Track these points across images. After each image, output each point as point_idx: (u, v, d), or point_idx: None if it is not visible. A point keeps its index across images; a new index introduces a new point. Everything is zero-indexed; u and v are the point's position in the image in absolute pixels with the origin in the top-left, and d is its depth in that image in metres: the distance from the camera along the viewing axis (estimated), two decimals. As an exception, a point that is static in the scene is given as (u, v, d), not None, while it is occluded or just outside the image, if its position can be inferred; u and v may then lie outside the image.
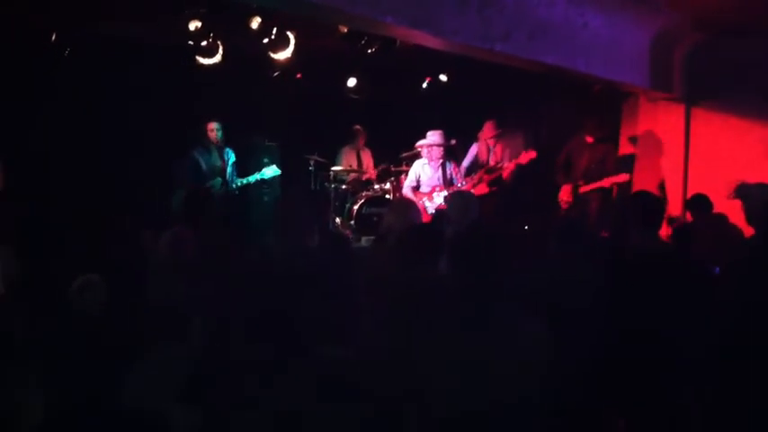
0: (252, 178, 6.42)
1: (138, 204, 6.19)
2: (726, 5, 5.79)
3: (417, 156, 6.93)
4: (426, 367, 2.35)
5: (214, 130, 6.39)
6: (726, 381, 2.70)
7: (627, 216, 3.23)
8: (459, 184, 6.68)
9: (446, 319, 2.43)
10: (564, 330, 2.50)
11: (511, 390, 2.23)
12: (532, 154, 6.65)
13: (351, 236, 6.85)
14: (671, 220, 6.02)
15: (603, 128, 6.97)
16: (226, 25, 6.08)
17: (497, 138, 7.24)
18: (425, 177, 6.71)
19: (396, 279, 3.10)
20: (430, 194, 6.63)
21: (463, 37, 5.03)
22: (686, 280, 2.99)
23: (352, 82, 7.84)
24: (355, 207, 7.22)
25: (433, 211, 6.51)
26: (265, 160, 6.90)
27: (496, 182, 6.86)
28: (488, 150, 7.29)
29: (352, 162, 8.09)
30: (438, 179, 6.68)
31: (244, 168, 6.59)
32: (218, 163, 6.39)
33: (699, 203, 5.24)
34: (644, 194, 3.90)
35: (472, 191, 6.54)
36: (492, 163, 7.10)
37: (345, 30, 6.13)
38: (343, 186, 7.83)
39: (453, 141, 6.86)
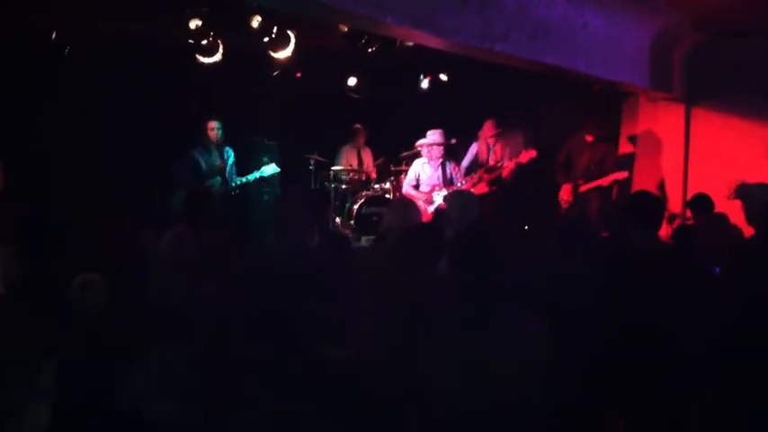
0: (251, 176, 6.42)
1: (138, 204, 6.18)
2: (726, 5, 5.79)
3: (417, 155, 6.93)
4: (426, 367, 2.34)
5: (214, 128, 6.38)
6: (726, 381, 2.71)
7: (627, 216, 3.22)
8: (458, 184, 6.67)
9: (446, 318, 2.43)
10: (564, 330, 2.50)
11: (511, 390, 2.23)
12: (532, 153, 6.65)
13: (351, 235, 6.84)
14: (671, 218, 6.02)
15: (603, 127, 6.97)
16: (226, 24, 6.09)
17: (497, 137, 7.23)
18: (425, 176, 6.71)
19: (396, 279, 3.09)
20: (430, 194, 6.63)
21: (463, 37, 5.04)
22: (686, 280, 2.98)
23: (352, 81, 7.85)
24: (355, 206, 7.23)
25: (433, 210, 6.51)
26: (265, 159, 6.88)
27: (496, 181, 6.86)
28: (488, 149, 7.28)
29: (352, 161, 8.09)
30: (438, 178, 6.68)
31: (244, 167, 6.59)
32: (218, 162, 6.39)
33: (700, 203, 5.23)
34: (644, 194, 3.88)
35: (472, 190, 6.53)
36: (492, 162, 7.09)
37: (346, 29, 6.14)
38: (343, 186, 7.82)
39: (453, 140, 6.86)
